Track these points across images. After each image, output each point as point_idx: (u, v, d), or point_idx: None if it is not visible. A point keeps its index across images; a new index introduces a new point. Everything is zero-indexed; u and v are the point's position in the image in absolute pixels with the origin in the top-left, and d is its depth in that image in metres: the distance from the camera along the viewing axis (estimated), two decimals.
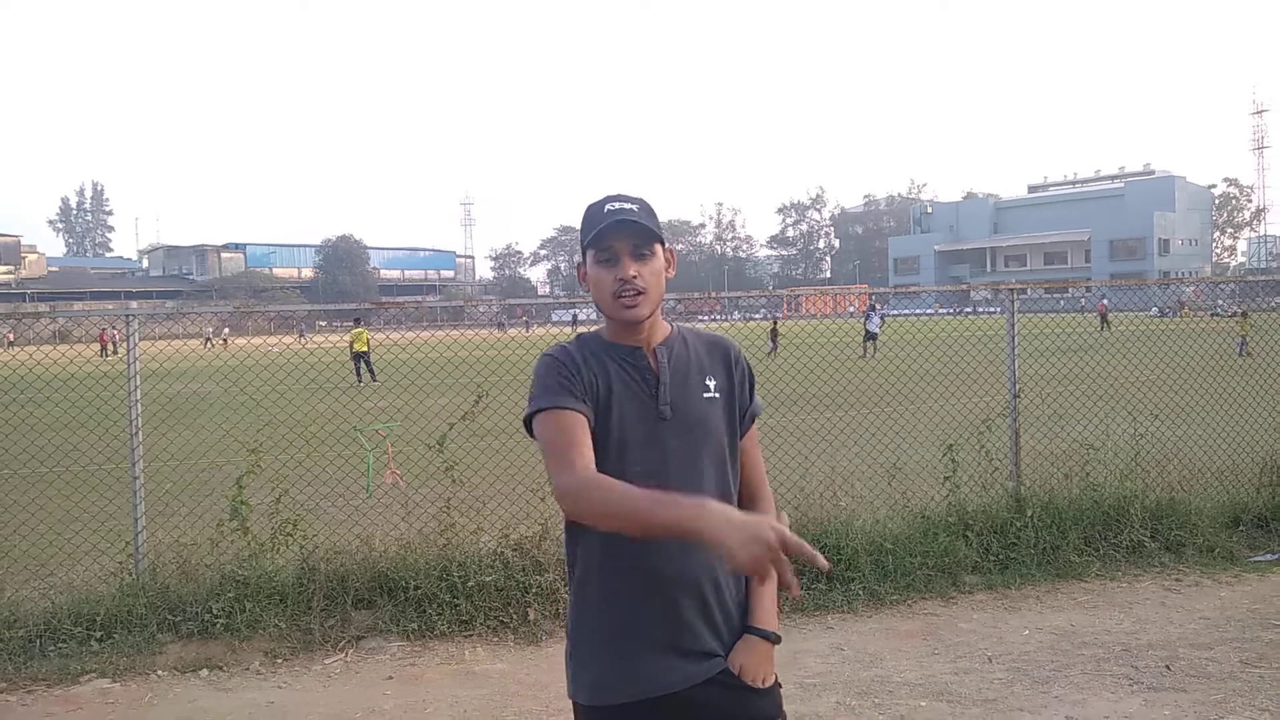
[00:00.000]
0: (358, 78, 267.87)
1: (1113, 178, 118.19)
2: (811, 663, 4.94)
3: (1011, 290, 6.99)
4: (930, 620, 5.53)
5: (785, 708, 2.15)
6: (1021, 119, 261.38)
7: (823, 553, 6.13)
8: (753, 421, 2.21)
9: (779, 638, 2.11)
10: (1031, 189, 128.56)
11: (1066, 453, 6.96)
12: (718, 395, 2.13)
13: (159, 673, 5.00)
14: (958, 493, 6.46)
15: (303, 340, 25.63)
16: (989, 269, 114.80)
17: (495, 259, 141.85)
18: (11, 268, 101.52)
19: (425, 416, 9.40)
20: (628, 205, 2.06)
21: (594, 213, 2.08)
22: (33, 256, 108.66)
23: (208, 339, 46.53)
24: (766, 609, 2.11)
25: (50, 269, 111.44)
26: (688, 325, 2.27)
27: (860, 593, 5.80)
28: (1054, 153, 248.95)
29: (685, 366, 2.12)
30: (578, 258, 2.19)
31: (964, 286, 8.91)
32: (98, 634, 5.20)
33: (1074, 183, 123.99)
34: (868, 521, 6.30)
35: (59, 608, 5.38)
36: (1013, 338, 6.85)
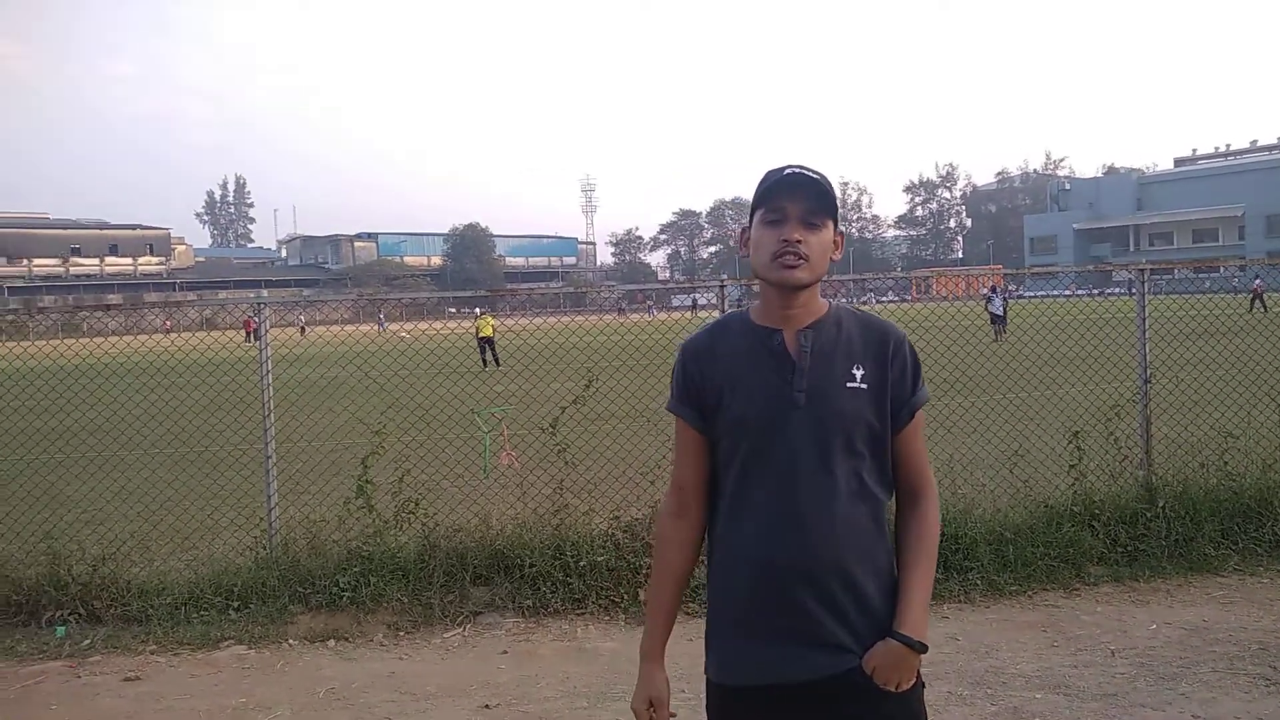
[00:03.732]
0: (484, 71, 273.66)
1: (1270, 148, 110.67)
2: None
3: (1143, 270, 6.69)
4: (1050, 612, 5.35)
5: None
6: (1166, 86, 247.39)
7: (940, 541, 6.03)
8: (913, 414, 2.06)
9: (924, 646, 1.98)
10: (1178, 162, 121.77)
11: (1203, 441, 6.62)
12: (864, 386, 2.00)
13: (290, 642, 5.28)
14: (1084, 481, 6.22)
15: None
16: (1132, 248, 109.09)
17: (616, 244, 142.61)
18: (162, 259, 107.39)
19: (541, 400, 9.59)
20: (808, 171, 2.00)
21: (771, 174, 2.03)
22: (181, 248, 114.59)
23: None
24: (915, 614, 1.98)
25: (197, 259, 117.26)
26: (849, 306, 2.16)
27: (978, 582, 5.65)
28: (1203, 122, 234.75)
29: (831, 352, 2.01)
30: (743, 222, 2.10)
31: (1093, 267, 8.59)
32: (235, 604, 5.54)
33: (1225, 155, 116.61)
34: (987, 510, 6.14)
35: (201, 578, 5.76)
36: (1143, 320, 6.55)
